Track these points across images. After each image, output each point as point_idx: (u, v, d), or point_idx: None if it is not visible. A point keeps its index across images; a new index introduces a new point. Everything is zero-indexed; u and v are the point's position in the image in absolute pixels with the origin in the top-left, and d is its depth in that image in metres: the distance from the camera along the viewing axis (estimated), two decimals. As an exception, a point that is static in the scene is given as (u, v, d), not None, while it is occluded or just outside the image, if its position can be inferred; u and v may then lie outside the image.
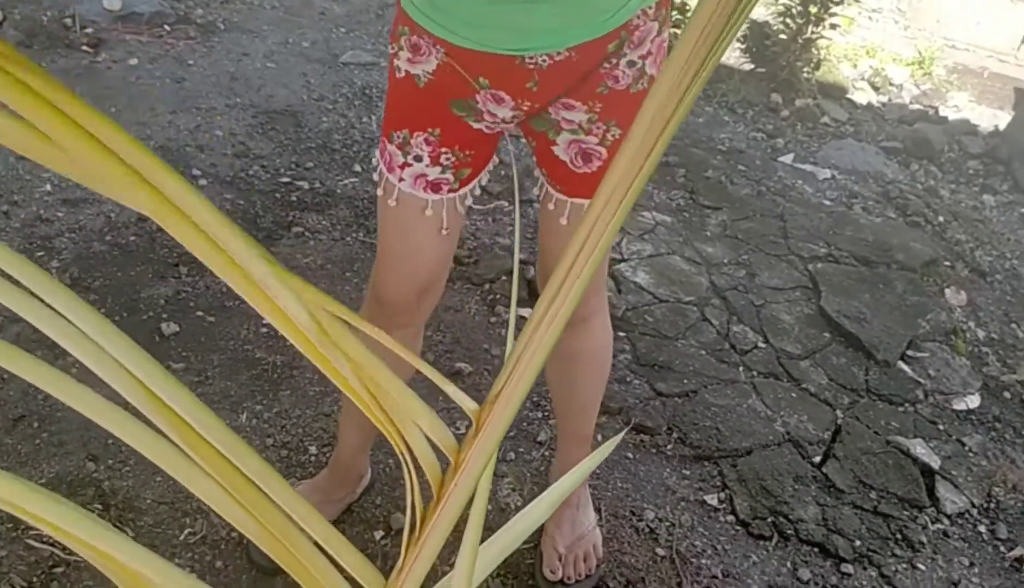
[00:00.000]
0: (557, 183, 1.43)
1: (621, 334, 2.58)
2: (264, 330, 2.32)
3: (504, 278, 2.71)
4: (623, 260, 2.91)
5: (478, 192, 1.48)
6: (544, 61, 1.25)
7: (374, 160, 1.46)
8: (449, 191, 1.41)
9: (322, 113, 3.49)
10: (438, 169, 1.39)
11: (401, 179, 1.39)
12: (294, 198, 2.93)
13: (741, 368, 2.56)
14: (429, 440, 0.75)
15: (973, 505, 2.24)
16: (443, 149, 1.37)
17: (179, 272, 2.43)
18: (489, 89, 1.29)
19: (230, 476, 0.68)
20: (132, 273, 2.42)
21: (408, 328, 1.56)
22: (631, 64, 1.30)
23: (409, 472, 0.74)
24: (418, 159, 1.37)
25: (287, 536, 0.71)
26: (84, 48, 3.58)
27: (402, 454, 0.74)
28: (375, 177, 1.46)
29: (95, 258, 2.44)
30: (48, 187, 2.69)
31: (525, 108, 1.32)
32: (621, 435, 0.92)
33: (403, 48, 1.33)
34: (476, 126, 1.36)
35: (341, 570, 0.74)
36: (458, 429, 2.01)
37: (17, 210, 2.62)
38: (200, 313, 2.33)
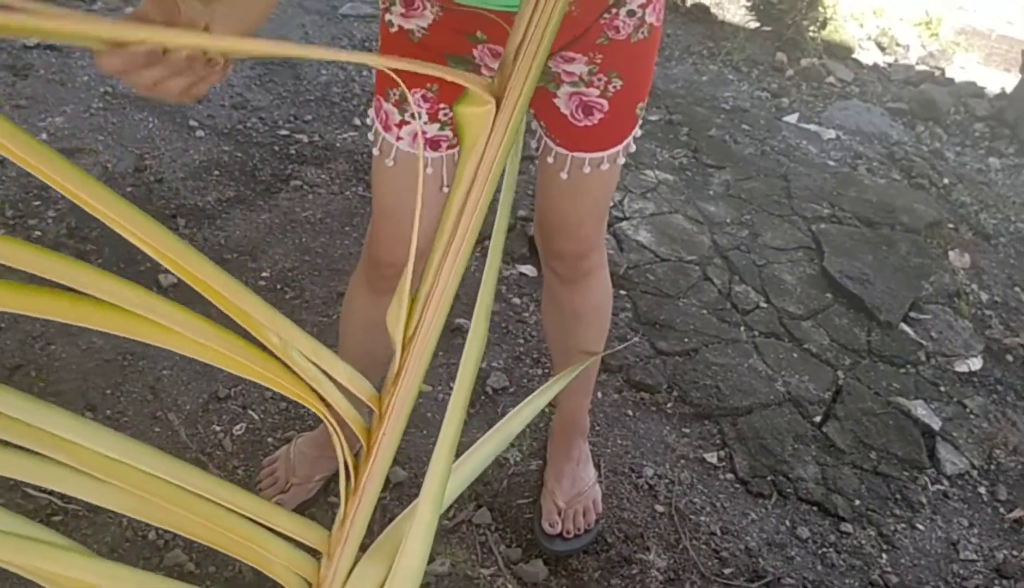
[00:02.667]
0: (557, 137, 1.39)
1: (622, 292, 2.56)
2: (263, 283, 2.30)
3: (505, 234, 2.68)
4: (625, 218, 2.88)
5: None
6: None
7: (369, 119, 1.42)
8: (448, 147, 1.38)
9: (321, 66, 3.44)
10: (437, 125, 1.35)
11: (399, 138, 1.35)
12: (293, 151, 2.90)
13: (742, 328, 2.54)
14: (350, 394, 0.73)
15: (973, 466, 2.24)
16: (441, 105, 1.33)
17: (177, 224, 2.40)
18: (487, 43, 1.26)
19: (142, 482, 0.66)
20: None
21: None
22: (631, 13, 1.26)
23: (333, 427, 0.73)
24: (415, 116, 1.34)
25: (216, 521, 0.69)
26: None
27: (322, 413, 0.72)
28: (370, 137, 1.42)
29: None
30: (44, 136, 2.65)
31: None
32: (592, 360, 0.90)
33: (395, 2, 1.28)
34: None
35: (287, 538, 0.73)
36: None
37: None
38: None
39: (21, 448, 0.61)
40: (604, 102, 1.32)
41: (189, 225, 2.43)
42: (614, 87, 1.31)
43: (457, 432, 0.71)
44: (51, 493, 1.68)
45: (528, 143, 1.48)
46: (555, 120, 1.37)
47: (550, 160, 1.42)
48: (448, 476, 0.71)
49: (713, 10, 4.80)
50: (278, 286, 2.31)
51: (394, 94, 1.33)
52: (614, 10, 1.25)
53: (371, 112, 1.40)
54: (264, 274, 2.33)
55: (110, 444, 0.64)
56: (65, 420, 0.63)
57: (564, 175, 1.41)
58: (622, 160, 1.43)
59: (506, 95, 0.74)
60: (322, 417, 0.73)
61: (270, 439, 1.93)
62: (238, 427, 1.93)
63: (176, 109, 2.97)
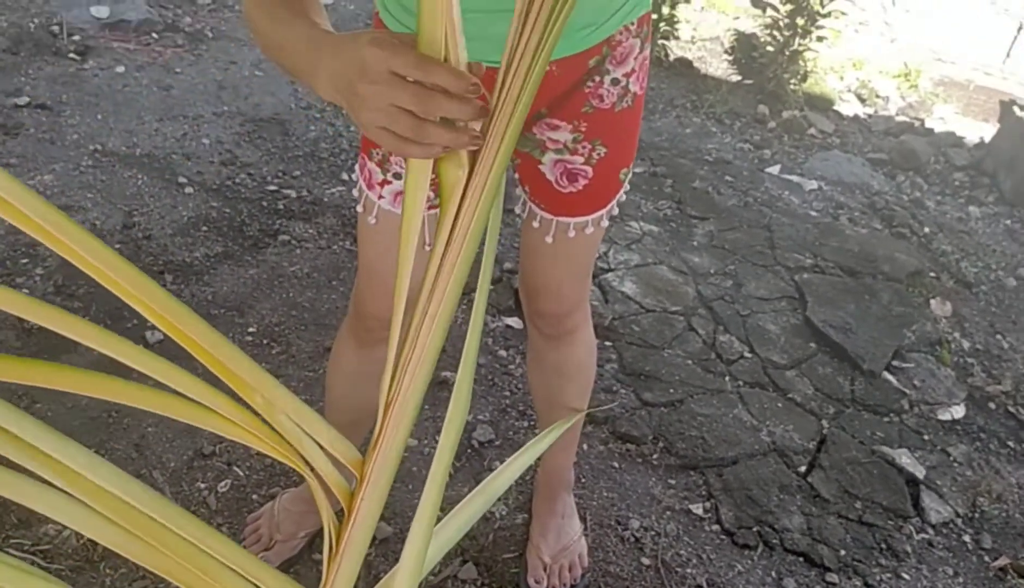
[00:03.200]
0: (541, 202, 1.41)
1: (607, 343, 2.58)
2: (249, 338, 2.31)
3: (491, 287, 2.70)
4: (610, 269, 2.91)
5: None
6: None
7: (354, 176, 1.44)
8: (430, 208, 1.40)
9: (309, 121, 3.48)
10: None
11: (381, 196, 1.37)
12: (281, 206, 2.93)
13: (727, 378, 2.56)
14: (333, 458, 0.74)
15: (958, 515, 2.25)
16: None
17: (165, 280, 2.42)
18: None
19: (138, 522, 0.67)
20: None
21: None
22: (615, 82, 1.28)
23: (316, 491, 0.74)
24: (397, 176, 1.35)
25: (206, 571, 0.70)
26: (71, 56, 3.56)
27: (306, 474, 0.73)
28: (355, 194, 1.44)
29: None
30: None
31: None
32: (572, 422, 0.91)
33: None
34: None
35: None
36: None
37: (2, 217, 2.60)
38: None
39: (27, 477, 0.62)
40: (588, 169, 1.34)
41: (177, 281, 2.44)
42: (598, 154, 1.33)
43: (438, 497, 0.72)
44: (35, 554, 1.68)
45: (512, 194, 1.50)
46: (540, 186, 1.39)
47: (535, 224, 1.44)
48: (428, 542, 0.72)
49: (696, 64, 4.89)
50: (265, 341, 2.32)
51: (377, 154, 1.35)
52: (597, 78, 1.27)
53: (357, 168, 1.43)
54: (251, 329, 2.35)
55: (113, 480, 0.65)
56: (77, 453, 0.64)
57: (549, 239, 1.42)
58: (606, 223, 1.45)
59: (481, 157, 0.76)
60: (306, 477, 0.74)
61: (255, 495, 1.93)
62: (223, 484, 1.94)
63: (165, 166, 3.01)
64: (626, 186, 1.44)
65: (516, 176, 1.48)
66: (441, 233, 0.75)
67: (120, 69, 3.56)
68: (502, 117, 0.74)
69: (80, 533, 1.74)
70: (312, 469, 0.74)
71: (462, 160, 0.75)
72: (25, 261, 2.42)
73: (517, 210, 1.49)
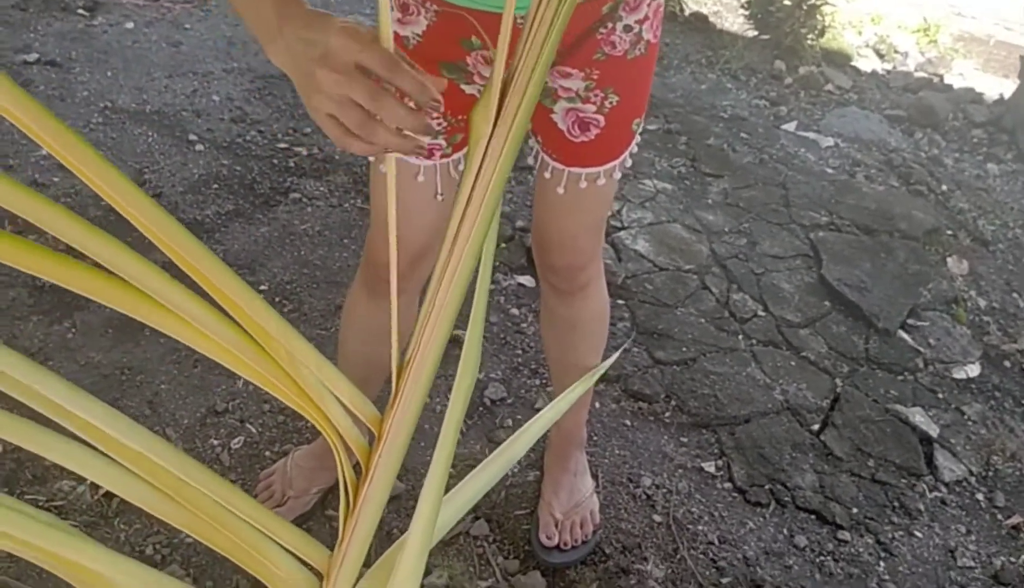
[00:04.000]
0: (553, 152, 1.40)
1: (620, 302, 2.57)
2: (262, 292, 2.31)
3: (503, 245, 2.69)
4: (623, 228, 2.89)
5: None
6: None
7: None
8: (442, 156, 1.38)
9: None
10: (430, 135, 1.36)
11: None
12: (291, 164, 2.91)
13: (740, 336, 2.55)
14: (351, 413, 0.74)
15: (971, 473, 2.24)
16: (434, 114, 1.34)
17: (175, 237, 2.41)
18: (480, 50, 1.26)
19: (157, 474, 0.67)
20: (128, 239, 2.40)
21: (402, 295, 1.54)
22: (627, 29, 1.26)
23: (335, 447, 0.73)
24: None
25: (224, 524, 0.70)
26: (80, 11, 3.54)
27: (324, 429, 0.73)
28: None
29: (91, 223, 2.41)
30: (44, 151, 2.66)
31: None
32: (598, 374, 0.90)
33: (392, 8, 1.29)
34: (467, 90, 1.32)
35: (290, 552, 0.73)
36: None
37: (13, 174, 2.60)
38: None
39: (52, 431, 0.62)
40: (600, 118, 1.33)
41: (188, 239, 2.44)
42: (610, 103, 1.31)
43: (450, 456, 0.71)
44: (49, 509, 1.69)
45: (526, 153, 1.49)
46: (552, 135, 1.37)
47: (547, 175, 1.42)
48: (440, 500, 0.72)
49: (711, 19, 4.81)
50: (276, 299, 2.32)
51: None
52: (610, 24, 1.25)
53: None
54: (263, 287, 2.34)
55: (132, 435, 0.65)
56: (94, 407, 0.63)
57: (561, 190, 1.41)
58: (619, 175, 1.43)
59: (505, 107, 0.74)
60: (323, 432, 0.74)
61: (267, 452, 1.93)
62: (236, 441, 1.94)
63: (175, 123, 2.99)
64: (638, 138, 1.42)
65: (529, 126, 1.46)
66: (464, 188, 0.73)
67: (129, 25, 3.53)
68: (526, 66, 0.72)
69: (94, 489, 1.75)
70: (330, 425, 0.73)
71: (490, 113, 0.73)
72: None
73: (530, 161, 1.47)
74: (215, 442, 1.92)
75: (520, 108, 0.73)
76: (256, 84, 3.33)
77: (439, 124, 1.34)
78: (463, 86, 1.31)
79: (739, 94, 4.09)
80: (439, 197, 1.41)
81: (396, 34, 1.29)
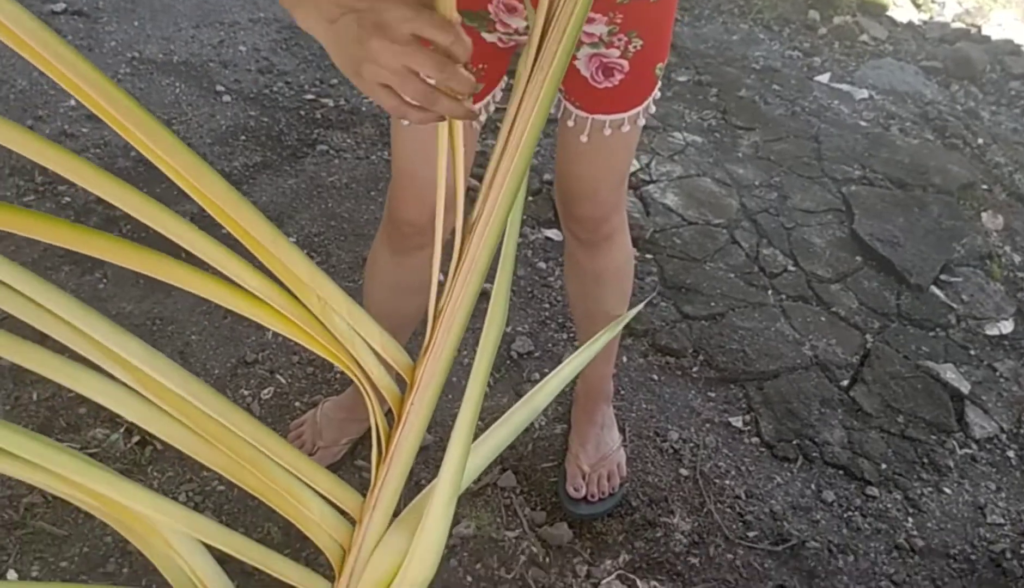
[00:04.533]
0: (577, 99, 1.38)
1: (648, 256, 2.55)
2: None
3: (531, 199, 2.67)
4: (652, 181, 2.86)
5: (492, 109, 1.42)
6: None
7: None
8: None
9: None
10: None
11: None
12: (319, 115, 2.90)
13: (770, 291, 2.52)
14: (384, 361, 0.74)
15: (1002, 430, 2.22)
16: None
17: (204, 189, 2.42)
18: None
19: (195, 417, 0.68)
20: (157, 189, 2.41)
21: (425, 249, 1.53)
22: None
23: (367, 394, 0.73)
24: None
25: (259, 468, 0.70)
26: (106, -39, 3.52)
27: (356, 377, 0.73)
28: None
29: (120, 174, 2.42)
30: (72, 101, 2.67)
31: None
32: (615, 331, 0.90)
33: None
34: (488, 39, 1.31)
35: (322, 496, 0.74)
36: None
37: (42, 125, 2.60)
38: (225, 230, 2.32)
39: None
40: (624, 63, 1.31)
41: (216, 190, 2.44)
42: (634, 47, 1.30)
43: (477, 407, 0.71)
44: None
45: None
46: (575, 82, 1.35)
47: (570, 123, 1.41)
48: (467, 450, 0.72)
49: (744, -33, 4.71)
50: (305, 251, 2.31)
51: None
52: None
53: None
54: (291, 240, 2.34)
55: (171, 376, 0.66)
56: (136, 347, 0.65)
57: (584, 138, 1.40)
58: (642, 122, 1.42)
59: (540, 57, 0.73)
60: (354, 379, 0.74)
61: (297, 403, 1.95)
62: (266, 391, 1.96)
63: (202, 74, 2.98)
64: (660, 83, 1.40)
65: None
66: (500, 140, 0.73)
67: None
68: (560, 20, 0.71)
69: (127, 437, 1.78)
70: (363, 372, 0.74)
71: (527, 65, 0.72)
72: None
73: (552, 111, 1.45)
74: (245, 392, 1.94)
75: (554, 63, 0.72)
76: (283, 34, 3.31)
77: None
78: (484, 34, 1.30)
79: (771, 45, 4.02)
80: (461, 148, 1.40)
81: None
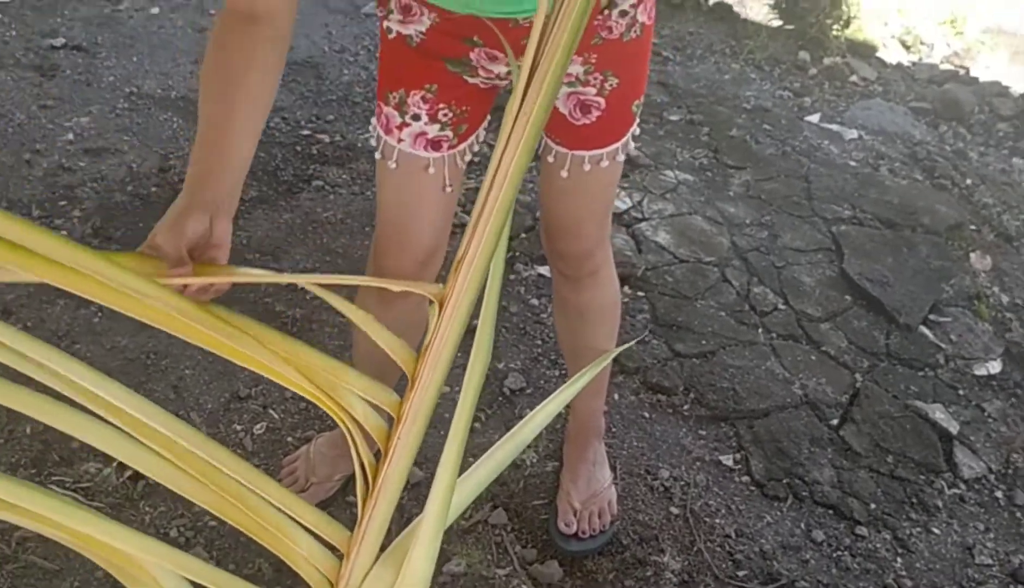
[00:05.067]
0: (556, 136, 1.43)
1: (640, 294, 2.57)
2: (284, 284, 2.33)
3: (523, 235, 2.70)
4: (644, 219, 2.89)
5: (476, 147, 1.47)
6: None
7: (371, 126, 1.44)
8: (449, 147, 1.41)
9: (343, 65, 3.47)
10: (437, 126, 1.37)
11: (400, 140, 1.38)
12: (315, 151, 2.93)
13: (760, 330, 2.55)
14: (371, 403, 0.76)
15: (991, 470, 2.23)
16: (440, 105, 1.36)
17: (200, 224, 2.43)
18: (483, 47, 1.28)
19: (182, 455, 0.69)
20: (153, 224, 2.43)
21: (411, 297, 1.52)
22: (623, 13, 1.30)
23: (350, 432, 0.75)
24: (416, 118, 1.36)
25: (247, 505, 0.71)
26: (106, -3, 3.57)
27: (340, 420, 0.75)
28: (372, 142, 1.44)
29: (117, 208, 2.45)
30: (70, 136, 2.69)
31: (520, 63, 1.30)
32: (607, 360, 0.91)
33: (393, 10, 1.31)
34: (472, 81, 1.35)
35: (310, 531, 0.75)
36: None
37: (39, 159, 2.63)
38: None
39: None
40: (601, 100, 1.36)
41: (212, 225, 2.45)
42: (610, 85, 1.35)
43: (463, 441, 0.73)
44: (76, 491, 1.72)
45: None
46: (554, 120, 1.40)
47: (550, 159, 1.46)
48: (453, 485, 0.73)
49: (735, 8, 4.79)
50: (299, 288, 2.34)
51: (394, 97, 1.36)
52: (606, 11, 1.28)
53: (373, 118, 1.43)
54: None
55: (158, 419, 0.67)
56: (118, 391, 0.67)
57: (564, 174, 1.44)
58: (622, 158, 1.47)
59: (522, 105, 0.75)
60: (337, 420, 0.75)
61: (290, 438, 1.96)
62: (259, 426, 1.97)
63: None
64: (637, 120, 1.45)
65: None
66: (487, 178, 0.75)
67: (155, 10, 3.55)
68: (544, 65, 0.74)
69: (120, 472, 1.78)
70: (347, 413, 0.75)
71: (513, 110, 0.75)
72: (63, 203, 2.44)
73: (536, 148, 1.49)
74: (238, 427, 1.95)
75: (536, 107, 0.74)
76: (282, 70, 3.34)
77: (445, 115, 1.36)
78: (467, 78, 1.35)
79: (763, 85, 4.08)
80: (448, 189, 1.43)
81: (399, 33, 1.32)
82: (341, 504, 1.84)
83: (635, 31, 1.33)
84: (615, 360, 2.31)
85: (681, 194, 3.07)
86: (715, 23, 4.60)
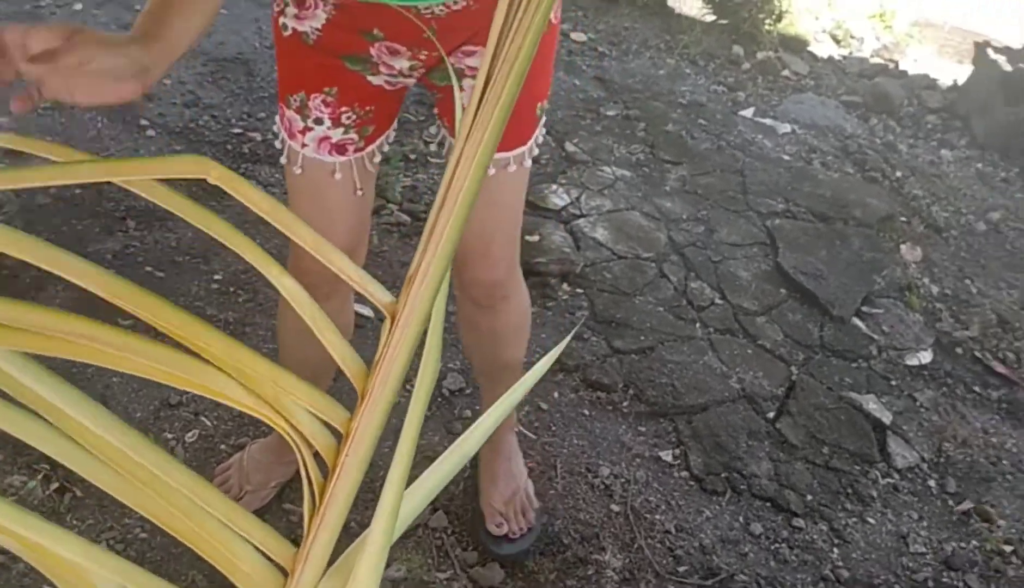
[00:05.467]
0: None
1: (579, 290, 2.57)
2: (215, 286, 2.28)
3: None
4: (582, 215, 2.89)
5: (386, 148, 1.42)
6: (442, 10, 1.18)
7: (275, 127, 1.40)
8: (355, 151, 1.36)
9: (274, 61, 3.39)
10: (341, 130, 1.32)
11: (304, 145, 1.33)
12: (246, 150, 2.87)
13: (698, 325, 2.56)
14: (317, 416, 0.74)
15: (923, 460, 2.28)
16: (343, 108, 1.30)
17: (127, 226, 2.37)
18: (384, 41, 1.23)
19: (119, 459, 0.66)
20: (79, 227, 2.36)
21: (333, 299, 1.50)
22: None
23: (298, 448, 0.73)
24: (319, 122, 1.31)
25: (189, 514, 0.69)
26: (26, -8, 3.45)
27: (287, 434, 0.72)
28: (277, 145, 1.39)
29: (40, 211, 2.37)
30: None
31: (423, 58, 1.26)
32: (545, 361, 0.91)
33: (288, 3, 1.25)
34: (374, 81, 1.30)
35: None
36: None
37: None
38: (149, 268, 2.28)
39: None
40: None
41: (140, 227, 2.39)
42: None
43: (409, 460, 0.71)
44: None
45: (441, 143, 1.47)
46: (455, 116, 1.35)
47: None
48: (399, 504, 0.71)
49: (670, 3, 4.81)
50: (231, 289, 2.29)
51: (294, 100, 1.31)
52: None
53: (277, 119, 1.38)
54: (217, 277, 2.31)
55: (98, 420, 0.65)
56: (65, 392, 0.64)
57: None
58: (528, 163, 1.41)
59: (475, 120, 0.73)
60: (286, 437, 0.73)
61: (223, 446, 1.91)
62: (190, 434, 1.92)
63: (126, 108, 2.93)
64: (542, 125, 1.41)
65: (436, 112, 1.45)
66: (440, 191, 0.73)
67: (78, 6, 3.45)
68: (505, 64, 0.72)
69: (45, 485, 1.72)
70: (293, 427, 0.73)
71: (467, 118, 0.73)
72: (-17, 207, 2.36)
73: (434, 148, 1.46)
74: (169, 436, 1.90)
75: (499, 105, 0.72)
76: (209, 67, 3.27)
77: (348, 118, 1.31)
78: (369, 77, 1.30)
79: (697, 79, 4.11)
80: (358, 192, 1.39)
81: (295, 30, 1.26)
82: (277, 511, 1.80)
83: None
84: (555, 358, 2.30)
85: (619, 190, 3.07)
86: (650, 18, 4.62)
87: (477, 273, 1.50)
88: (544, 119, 1.41)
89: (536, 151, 1.42)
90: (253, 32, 3.58)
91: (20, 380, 0.62)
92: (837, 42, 4.87)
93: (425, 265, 0.75)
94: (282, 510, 1.82)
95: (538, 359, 0.99)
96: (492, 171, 1.37)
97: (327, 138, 1.32)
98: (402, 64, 1.27)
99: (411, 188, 2.75)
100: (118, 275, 0.65)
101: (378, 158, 1.42)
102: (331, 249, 0.86)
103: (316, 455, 0.75)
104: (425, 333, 0.71)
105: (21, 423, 0.62)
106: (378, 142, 1.39)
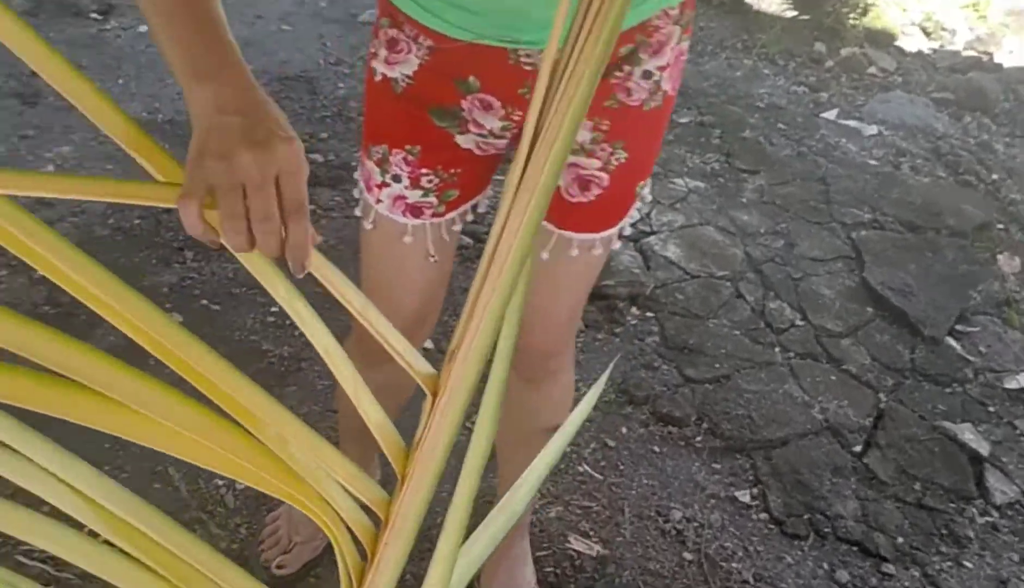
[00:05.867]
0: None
1: (649, 314, 2.45)
2: (271, 319, 2.22)
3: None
4: (653, 232, 2.76)
5: (469, 217, 1.29)
6: (541, 60, 1.07)
7: (356, 175, 1.30)
8: (433, 215, 1.23)
9: (338, 78, 3.35)
10: (419, 192, 1.20)
11: (379, 200, 1.22)
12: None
13: (777, 349, 2.41)
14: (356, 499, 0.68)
15: (1025, 496, 2.10)
16: (423, 170, 1.19)
17: (184, 257, 2.33)
18: (477, 93, 1.12)
19: (144, 545, 0.64)
20: (136, 259, 2.33)
21: (393, 361, 1.38)
22: (647, 75, 1.11)
23: (333, 534, 0.66)
24: (396, 179, 1.19)
25: None
26: (93, 15, 3.46)
27: (324, 524, 0.65)
28: (355, 194, 1.30)
29: (98, 243, 2.35)
30: (51, 167, 2.60)
31: (516, 118, 1.13)
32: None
33: (381, 45, 1.15)
34: (463, 143, 1.18)
35: None
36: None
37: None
38: (205, 301, 2.23)
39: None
40: (604, 176, 1.17)
41: (197, 258, 2.35)
42: (617, 159, 1.16)
43: (455, 551, 0.66)
44: (44, 562, 1.62)
45: None
46: None
47: None
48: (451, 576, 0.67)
49: (747, 0, 4.63)
50: (287, 322, 2.23)
51: (376, 152, 1.20)
52: (627, 68, 1.10)
53: (358, 167, 1.29)
54: (273, 309, 2.25)
55: (114, 498, 0.62)
56: (77, 467, 0.61)
57: (545, 255, 1.24)
58: (616, 245, 1.28)
59: (528, 166, 0.66)
60: (323, 527, 0.67)
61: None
62: (241, 482, 1.86)
63: (188, 133, 2.90)
64: (639, 203, 1.27)
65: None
66: (486, 255, 0.65)
67: (143, 28, 3.45)
68: (557, 115, 0.64)
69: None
70: (332, 511, 0.68)
71: (516, 172, 0.65)
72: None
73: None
74: (219, 482, 1.84)
75: (547, 165, 0.65)
76: (272, 86, 3.24)
77: (430, 181, 1.20)
78: (457, 138, 1.18)
79: (776, 80, 3.92)
80: (432, 259, 1.26)
81: (384, 76, 1.16)
82: (330, 564, 1.73)
83: (657, 100, 1.14)
84: (623, 389, 2.18)
85: (692, 203, 2.93)
86: (726, 16, 4.45)
87: (529, 340, 1.30)
88: (643, 193, 1.27)
89: (628, 230, 1.29)
90: (317, 49, 3.54)
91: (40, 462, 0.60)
92: (927, 35, 4.62)
93: (468, 342, 0.66)
94: (333, 563, 1.74)
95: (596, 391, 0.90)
96: (575, 253, 1.24)
97: (403, 197, 1.21)
98: (493, 123, 1.15)
99: (472, 206, 2.67)
100: (167, 315, 0.60)
101: (459, 227, 1.29)
102: (376, 316, 0.79)
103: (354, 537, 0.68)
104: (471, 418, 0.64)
105: (27, 525, 0.60)
106: (461, 209, 1.26)
